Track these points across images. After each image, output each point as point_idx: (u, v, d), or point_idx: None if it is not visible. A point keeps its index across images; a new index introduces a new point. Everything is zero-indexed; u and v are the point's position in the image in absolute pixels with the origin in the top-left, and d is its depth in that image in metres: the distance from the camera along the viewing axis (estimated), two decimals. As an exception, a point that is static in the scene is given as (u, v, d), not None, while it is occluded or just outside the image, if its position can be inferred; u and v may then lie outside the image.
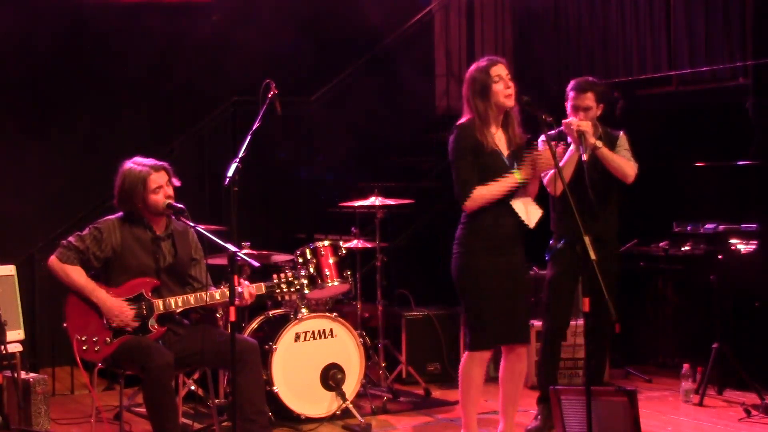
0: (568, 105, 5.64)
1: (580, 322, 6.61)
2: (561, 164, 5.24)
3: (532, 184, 5.00)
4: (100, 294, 4.94)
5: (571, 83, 5.69)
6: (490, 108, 4.89)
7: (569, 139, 5.47)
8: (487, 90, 4.87)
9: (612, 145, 5.64)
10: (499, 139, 4.95)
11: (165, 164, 5.11)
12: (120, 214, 5.11)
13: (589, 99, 5.59)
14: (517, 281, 4.97)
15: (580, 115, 5.55)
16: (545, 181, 5.34)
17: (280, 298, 5.38)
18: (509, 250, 4.93)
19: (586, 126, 5.41)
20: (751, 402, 6.11)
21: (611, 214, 5.70)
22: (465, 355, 5.02)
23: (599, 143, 5.51)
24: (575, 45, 8.34)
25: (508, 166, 4.90)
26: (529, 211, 4.94)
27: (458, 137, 4.93)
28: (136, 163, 5.06)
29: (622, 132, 5.76)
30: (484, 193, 4.86)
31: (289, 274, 5.15)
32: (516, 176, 4.86)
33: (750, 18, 6.93)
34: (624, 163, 5.60)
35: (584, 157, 5.21)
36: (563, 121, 5.40)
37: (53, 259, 5.01)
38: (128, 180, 5.01)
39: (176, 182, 5.10)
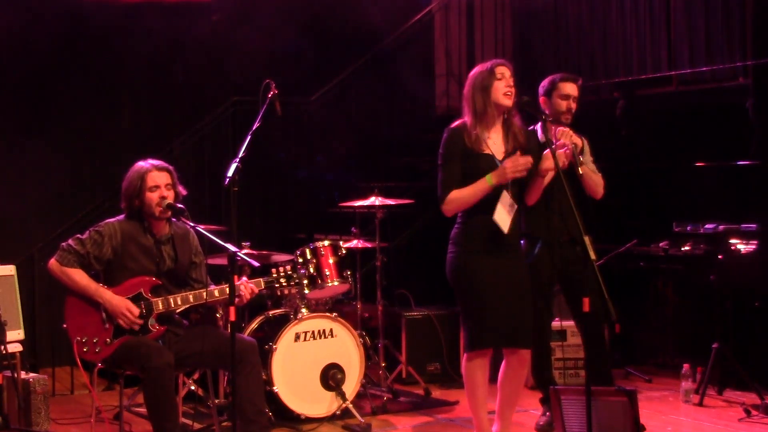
0: (556, 95, 5.54)
1: (568, 322, 6.65)
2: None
3: (533, 192, 4.95)
4: (104, 293, 4.94)
5: (557, 76, 5.61)
6: (489, 105, 4.85)
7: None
8: (488, 86, 4.84)
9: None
10: (494, 142, 4.89)
11: (171, 168, 5.12)
12: (122, 216, 5.11)
13: (577, 89, 5.60)
14: (515, 283, 4.91)
15: (565, 105, 5.52)
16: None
17: (279, 293, 5.37)
18: (505, 252, 4.88)
19: (579, 141, 5.34)
20: (751, 402, 6.11)
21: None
22: (464, 358, 4.98)
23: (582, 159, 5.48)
24: (575, 45, 8.34)
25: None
26: (510, 214, 4.83)
27: (447, 140, 4.91)
28: (143, 161, 5.12)
29: (584, 137, 5.63)
30: (458, 196, 4.82)
31: (288, 268, 5.15)
32: (487, 180, 4.78)
33: (750, 18, 6.94)
34: (600, 182, 5.54)
35: (581, 171, 5.10)
36: (560, 129, 5.16)
37: (53, 263, 5.00)
38: (131, 175, 5.07)
39: (182, 191, 5.12)
